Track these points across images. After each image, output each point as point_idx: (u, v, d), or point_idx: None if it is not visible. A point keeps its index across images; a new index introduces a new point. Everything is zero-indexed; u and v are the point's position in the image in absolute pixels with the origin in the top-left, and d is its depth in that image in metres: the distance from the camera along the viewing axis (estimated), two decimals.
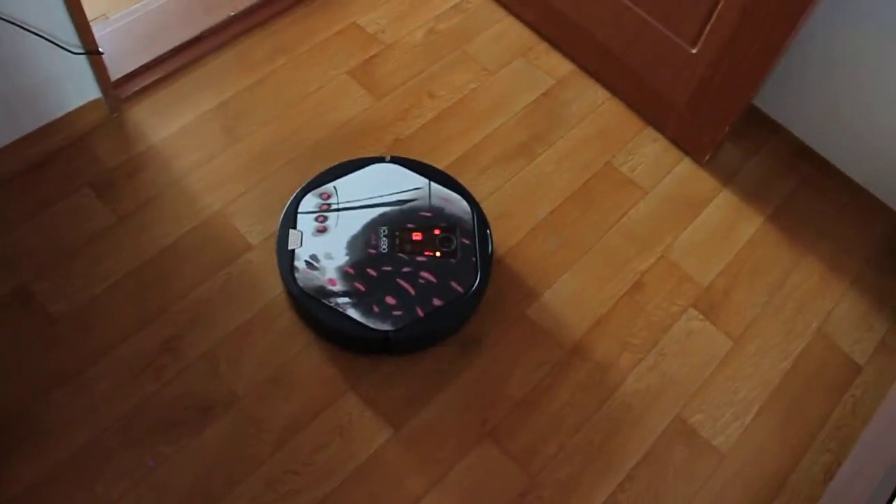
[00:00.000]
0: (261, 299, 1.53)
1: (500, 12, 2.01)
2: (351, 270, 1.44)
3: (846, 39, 1.61)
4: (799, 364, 1.59)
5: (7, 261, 1.51)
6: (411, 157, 1.71)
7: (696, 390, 1.53)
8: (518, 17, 1.99)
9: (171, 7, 1.85)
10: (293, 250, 1.45)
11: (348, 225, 1.49)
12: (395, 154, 1.71)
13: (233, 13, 1.86)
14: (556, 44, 1.95)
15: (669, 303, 1.62)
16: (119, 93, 1.71)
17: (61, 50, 1.51)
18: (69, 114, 1.65)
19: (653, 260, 1.68)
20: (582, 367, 1.53)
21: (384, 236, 1.48)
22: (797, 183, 1.83)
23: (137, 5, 1.84)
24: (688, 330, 1.60)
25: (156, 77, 1.76)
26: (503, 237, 1.65)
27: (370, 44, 1.90)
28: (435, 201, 1.53)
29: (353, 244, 1.47)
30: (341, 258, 1.45)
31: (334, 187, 1.53)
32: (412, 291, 1.43)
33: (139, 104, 1.74)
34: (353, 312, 1.40)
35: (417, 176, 1.57)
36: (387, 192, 1.53)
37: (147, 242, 1.57)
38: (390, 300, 1.41)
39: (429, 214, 1.51)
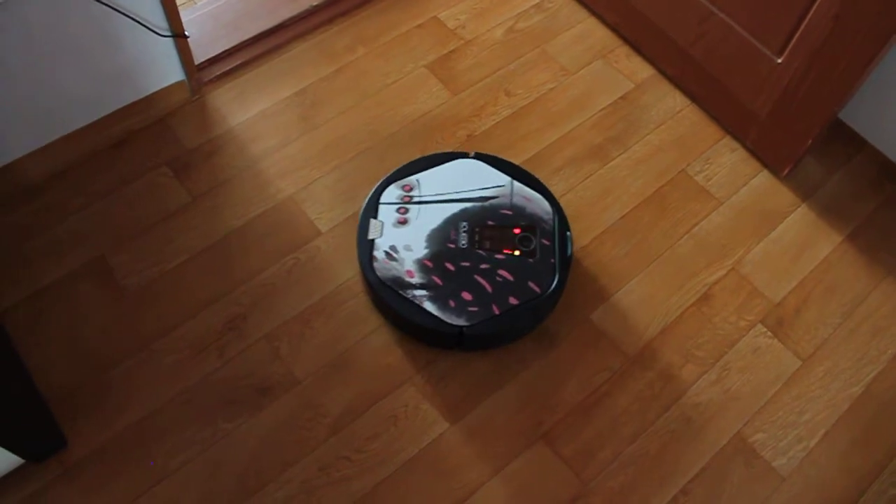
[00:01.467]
0: (326, 286, 1.55)
1: (583, 13, 1.98)
2: (429, 263, 1.45)
3: None
4: (871, 390, 1.53)
5: (85, 233, 1.56)
6: (487, 149, 1.71)
7: (759, 409, 1.49)
8: (600, 18, 1.97)
9: None
10: (373, 240, 1.47)
11: (429, 218, 1.50)
12: (467, 147, 1.71)
13: (315, 2, 1.88)
14: (637, 47, 1.92)
15: (738, 317, 1.58)
16: (202, 76, 1.76)
17: (149, 32, 1.55)
18: (153, 94, 1.70)
19: (723, 272, 1.63)
20: (643, 377, 1.50)
21: (464, 232, 1.48)
22: (881, 202, 1.76)
23: None
24: (755, 346, 1.56)
25: (238, 62, 1.80)
26: (573, 239, 1.63)
27: (450, 39, 1.91)
28: (517, 200, 1.53)
29: (432, 237, 1.48)
30: (420, 250, 1.46)
31: (417, 180, 1.54)
32: (489, 288, 1.43)
33: (220, 88, 1.78)
34: (429, 305, 1.41)
35: (500, 174, 1.57)
36: (469, 188, 1.54)
37: (219, 223, 1.60)
38: (466, 295, 1.42)
39: (510, 213, 1.51)
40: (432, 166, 1.57)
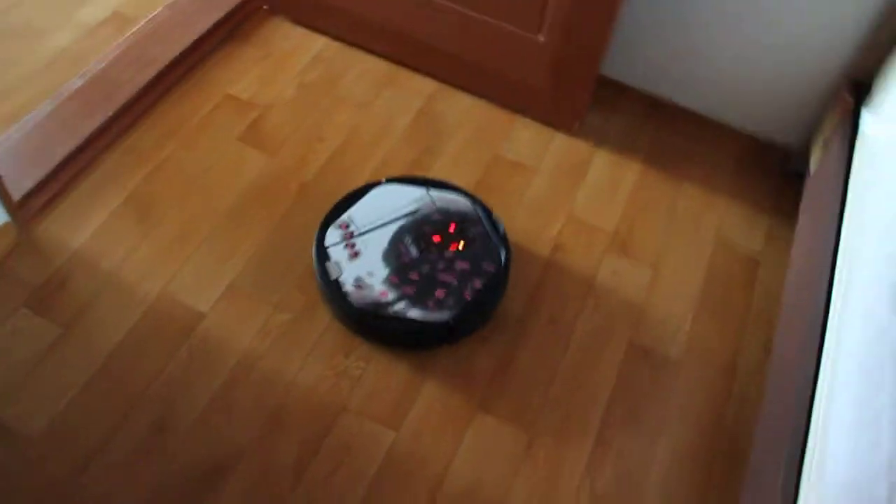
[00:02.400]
0: (231, 358, 1.58)
1: (357, 53, 2.17)
2: (396, 279, 1.58)
3: (665, 2, 1.89)
4: (710, 271, 1.82)
5: None
6: (319, 195, 1.83)
7: (637, 317, 1.72)
8: (373, 52, 2.16)
9: (52, 120, 1.88)
10: (336, 279, 1.57)
11: (376, 244, 1.64)
12: (303, 195, 1.82)
13: (111, 112, 1.91)
14: (415, 67, 2.13)
15: (588, 253, 1.81)
16: (24, 212, 1.73)
17: None
18: None
19: (562, 223, 1.86)
20: (536, 327, 1.68)
21: (411, 244, 1.64)
22: (656, 128, 2.08)
23: (17, 125, 1.87)
24: (612, 270, 1.79)
25: (56, 189, 1.79)
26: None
27: (248, 109, 2.01)
28: (440, 204, 1.71)
29: (387, 258, 1.61)
30: (382, 272, 1.59)
31: (349, 217, 1.68)
32: (454, 281, 1.59)
33: (47, 219, 1.76)
34: (413, 313, 1.54)
35: (415, 187, 1.73)
36: (397, 208, 1.70)
37: (100, 342, 1.59)
38: (439, 293, 1.57)
39: (440, 216, 1.68)
40: (356, 201, 1.70)
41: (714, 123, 2.07)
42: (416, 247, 1.64)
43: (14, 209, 1.68)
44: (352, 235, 1.65)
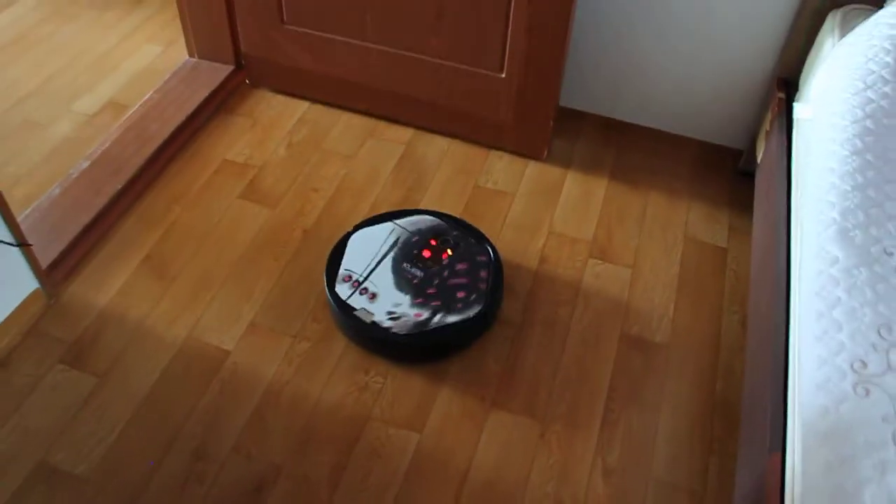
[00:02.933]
0: (259, 387, 1.71)
1: (337, 112, 2.37)
2: (420, 300, 1.75)
3: (609, 26, 2.12)
4: (684, 264, 2.00)
5: (14, 450, 1.59)
6: (321, 238, 1.99)
7: (624, 311, 1.88)
8: (352, 110, 2.37)
9: (66, 198, 2.04)
10: (373, 321, 1.72)
11: (384, 280, 1.80)
12: (307, 240, 1.98)
13: (120, 186, 2.08)
14: (392, 119, 2.34)
15: (572, 262, 1.99)
16: (52, 279, 1.86)
17: (2, 247, 1.66)
18: (14, 312, 1.78)
19: (544, 238, 2.04)
20: (535, 330, 1.83)
21: (412, 268, 1.81)
22: (617, 148, 2.29)
23: (35, 203, 2.02)
24: (596, 273, 1.96)
25: (78, 257, 1.93)
26: None
27: (245, 171, 2.18)
28: (411, 228, 1.90)
29: (400, 286, 1.79)
30: (405, 299, 1.77)
31: (347, 269, 1.82)
32: (465, 280, 1.79)
33: (73, 284, 1.89)
34: (451, 319, 1.72)
35: (384, 224, 1.92)
36: (381, 246, 1.87)
37: (136, 386, 1.71)
38: (461, 294, 1.76)
39: (417, 238, 1.87)
40: (341, 255, 1.86)
41: (669, 136, 2.28)
42: (417, 268, 1.81)
43: (43, 276, 1.81)
44: (359, 283, 1.80)
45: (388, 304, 1.76)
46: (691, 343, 1.83)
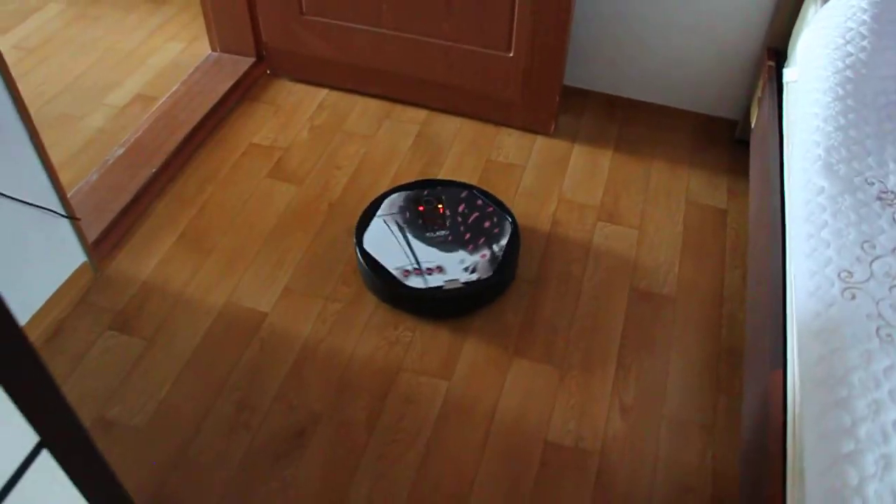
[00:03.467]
0: (296, 344, 1.84)
1: (354, 97, 2.51)
2: (471, 246, 1.92)
3: (609, 6, 2.26)
4: (687, 225, 2.13)
5: (73, 406, 1.71)
6: (347, 211, 2.13)
7: (632, 268, 2.02)
8: (368, 94, 2.50)
9: (104, 182, 2.17)
10: (463, 283, 1.85)
11: (431, 254, 1.92)
12: (333, 213, 2.12)
13: (155, 169, 2.21)
14: (406, 101, 2.47)
15: (582, 224, 2.12)
16: (98, 253, 2.00)
17: (52, 222, 1.80)
18: (64, 284, 1.91)
19: (555, 204, 2.18)
20: (550, 286, 1.96)
21: (436, 231, 1.96)
22: (620, 122, 2.43)
23: (75, 188, 2.15)
24: (605, 234, 2.10)
25: (119, 235, 2.06)
26: None
27: (272, 152, 2.32)
28: (394, 207, 2.02)
29: (448, 249, 1.92)
30: (461, 254, 1.92)
31: (395, 268, 1.89)
32: (479, 214, 2.00)
33: (115, 259, 2.02)
34: (503, 241, 1.94)
35: (376, 219, 2.01)
36: (393, 235, 1.97)
37: (181, 347, 1.84)
38: (487, 224, 1.96)
39: (408, 212, 2.02)
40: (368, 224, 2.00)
41: (668, 110, 2.42)
42: (437, 228, 1.95)
43: (90, 250, 1.94)
44: (421, 270, 1.88)
45: (456, 266, 1.87)
46: (696, 295, 1.96)
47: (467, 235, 1.94)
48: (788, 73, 1.88)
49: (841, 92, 1.46)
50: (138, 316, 1.90)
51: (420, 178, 2.21)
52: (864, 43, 1.52)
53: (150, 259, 2.03)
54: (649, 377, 1.80)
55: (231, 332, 1.87)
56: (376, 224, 1.98)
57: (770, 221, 1.61)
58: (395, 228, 1.96)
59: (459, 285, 1.83)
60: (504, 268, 1.89)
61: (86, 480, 1.12)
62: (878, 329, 1.10)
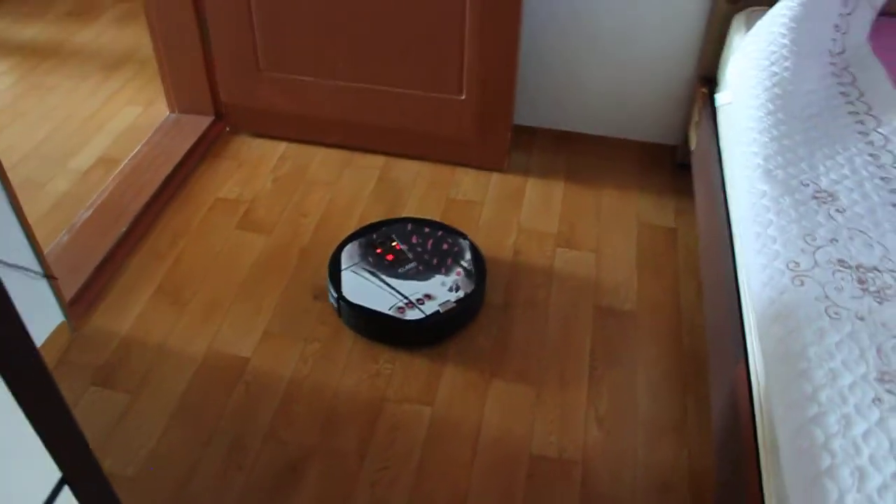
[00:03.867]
0: (281, 384, 1.90)
1: (314, 148, 2.61)
2: (443, 269, 2.06)
3: (549, 49, 2.42)
4: (640, 246, 2.27)
5: None
6: (318, 255, 2.21)
7: (593, 286, 2.14)
8: (328, 144, 2.61)
9: (74, 244, 2.21)
10: (453, 302, 1.97)
11: (411, 287, 2.02)
12: (304, 257, 2.20)
13: (125, 227, 2.27)
14: (365, 148, 2.58)
15: (542, 251, 2.24)
16: (74, 311, 2.03)
17: (28, 283, 1.84)
18: (44, 344, 1.94)
19: (515, 235, 2.29)
20: (518, 310, 2.07)
21: (406, 266, 2.07)
22: (568, 155, 2.58)
23: (46, 250, 2.19)
24: (565, 259, 2.22)
25: (94, 293, 2.10)
26: None
27: (238, 205, 2.40)
28: (352, 257, 2.11)
29: (425, 277, 2.04)
30: (440, 277, 2.04)
31: (390, 308, 1.97)
32: (434, 242, 2.13)
33: (93, 316, 2.06)
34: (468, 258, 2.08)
35: (345, 272, 2.10)
36: (372, 284, 2.04)
37: (167, 397, 1.88)
38: (445, 247, 2.11)
39: (369, 256, 2.09)
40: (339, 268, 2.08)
41: (613, 140, 2.58)
42: (406, 263, 2.06)
43: (67, 308, 1.98)
44: (412, 303, 1.97)
45: (440, 289, 1.99)
46: (656, 308, 2.09)
47: (434, 261, 2.05)
48: (721, 97, 2.05)
49: (772, 107, 1.61)
50: (120, 370, 1.93)
51: (359, 225, 2.30)
52: (787, 63, 1.69)
53: (128, 314, 2.07)
54: (620, 387, 1.90)
55: (215, 378, 1.91)
56: (348, 276, 2.04)
57: (718, 230, 1.75)
58: (367, 275, 2.04)
59: (453, 304, 1.94)
60: (481, 278, 2.02)
61: None
62: (826, 309, 1.22)
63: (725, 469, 1.41)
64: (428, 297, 1.97)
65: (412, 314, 1.93)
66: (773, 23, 1.80)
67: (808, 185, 1.45)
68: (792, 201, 1.42)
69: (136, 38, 3.36)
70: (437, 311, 1.93)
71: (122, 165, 2.55)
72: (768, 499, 1.20)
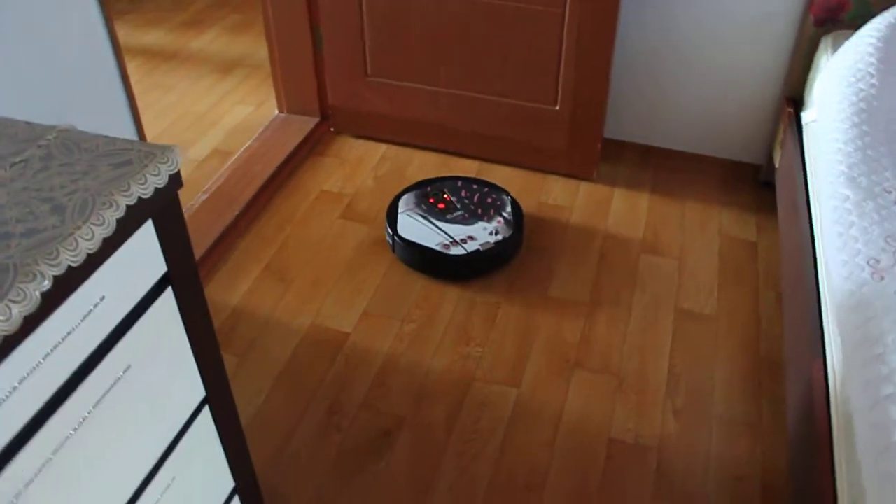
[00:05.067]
0: (378, 358, 2.04)
1: (412, 151, 2.78)
2: (485, 218, 2.35)
3: (641, 64, 2.54)
4: (722, 256, 2.35)
5: None
6: None
7: (675, 292, 2.23)
8: (425, 148, 2.77)
9: (190, 223, 2.42)
10: (494, 242, 2.25)
11: (458, 229, 2.31)
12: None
13: (238, 211, 2.46)
14: (460, 153, 2.74)
15: (627, 256, 2.35)
16: None
17: None
18: None
19: (602, 239, 2.41)
20: (602, 310, 2.18)
21: (454, 213, 2.36)
22: (654, 169, 2.69)
23: None
24: (648, 264, 2.32)
25: (208, 267, 2.29)
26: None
27: (341, 198, 2.57)
28: (410, 205, 2.28)
29: (470, 221, 2.34)
30: (482, 223, 2.34)
31: (437, 244, 2.26)
32: (479, 196, 2.41)
33: (206, 288, 2.25)
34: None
35: (402, 217, 2.26)
36: (423, 228, 2.31)
37: (272, 363, 2.04)
38: (490, 200, 2.39)
39: (423, 204, 2.32)
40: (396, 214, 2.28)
41: (698, 157, 2.68)
42: (454, 211, 2.35)
43: None
44: (457, 242, 2.25)
45: (482, 232, 2.28)
46: (735, 315, 2.17)
47: (479, 210, 2.36)
48: (807, 115, 2.14)
49: (857, 120, 1.70)
50: (230, 336, 2.11)
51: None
52: (874, 80, 1.78)
53: (238, 288, 2.25)
54: (697, 385, 1.99)
55: (317, 349, 2.07)
56: (403, 219, 2.34)
57: (801, 239, 1.83)
58: (419, 218, 2.33)
59: (492, 245, 2.24)
60: (519, 226, 2.32)
61: (229, 442, 1.33)
62: None
63: (799, 461, 1.49)
64: (471, 238, 2.26)
65: (455, 250, 2.20)
66: (860, 42, 1.89)
67: (891, 192, 1.53)
68: (875, 205, 1.50)
69: (248, 45, 3.61)
70: (478, 250, 2.20)
71: (235, 157, 2.76)
72: (840, 492, 1.28)
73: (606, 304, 2.20)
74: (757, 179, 2.64)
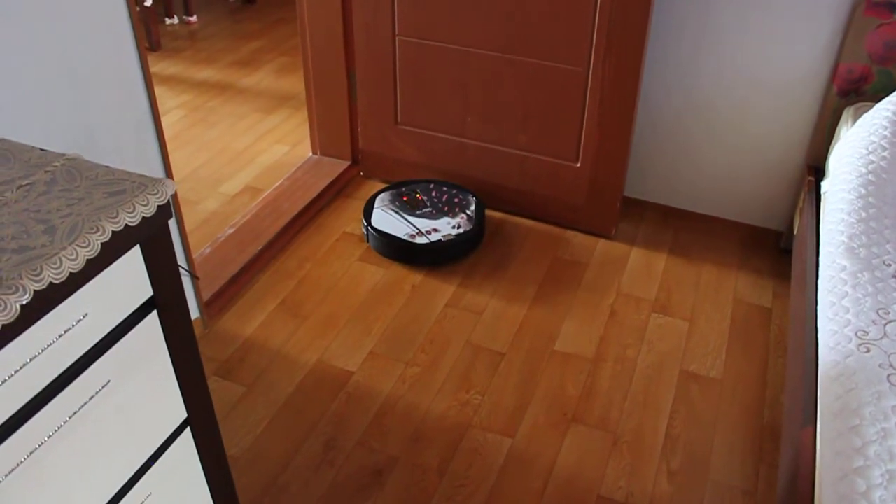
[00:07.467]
0: (378, 398, 2.08)
1: None
2: (450, 214, 2.61)
3: (664, 125, 2.58)
4: (734, 319, 2.34)
5: None
6: (429, 291, 2.40)
7: (682, 352, 2.23)
8: None
9: (215, 256, 2.50)
10: (454, 235, 2.51)
11: (424, 222, 2.60)
12: (416, 293, 2.40)
13: (260, 247, 2.54)
14: (486, 203, 2.79)
15: (638, 314, 2.35)
16: (208, 311, 2.30)
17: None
18: None
19: (614, 296, 2.42)
20: (606, 365, 2.18)
21: (421, 210, 2.64)
22: (674, 230, 2.70)
23: (199, 252, 2.48)
24: (657, 324, 2.32)
25: (226, 299, 2.37)
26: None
27: (362, 241, 2.64)
28: (385, 203, 2.26)
29: (435, 216, 2.60)
30: (446, 218, 2.57)
31: (405, 233, 2.51)
32: (447, 197, 2.62)
33: (223, 318, 2.32)
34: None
35: (377, 210, 2.29)
36: (397, 220, 2.35)
37: (276, 394, 2.09)
38: (457, 199, 2.56)
39: (396, 201, 2.48)
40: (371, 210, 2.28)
41: (719, 220, 2.68)
42: (423, 206, 2.59)
43: (203, 307, 2.25)
44: (422, 233, 2.52)
45: (446, 226, 2.55)
46: (741, 379, 2.15)
47: (445, 208, 2.62)
48: (825, 185, 2.14)
49: (864, 191, 1.71)
50: (240, 366, 2.17)
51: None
52: (885, 153, 1.78)
53: (253, 320, 2.32)
54: (695, 446, 1.97)
55: (321, 385, 2.12)
56: (377, 213, 2.61)
57: (805, 306, 1.83)
58: (391, 212, 2.61)
59: (453, 237, 2.51)
60: (480, 222, 2.58)
61: (210, 465, 1.37)
62: (888, 376, 1.30)
63: None
64: (435, 230, 2.53)
65: (420, 240, 2.48)
66: (876, 115, 1.90)
67: (890, 265, 1.53)
68: (871, 277, 1.50)
69: (292, 86, 3.74)
70: (440, 240, 2.47)
71: (265, 194, 2.85)
72: None
73: (611, 360, 2.20)
74: (778, 246, 2.63)
